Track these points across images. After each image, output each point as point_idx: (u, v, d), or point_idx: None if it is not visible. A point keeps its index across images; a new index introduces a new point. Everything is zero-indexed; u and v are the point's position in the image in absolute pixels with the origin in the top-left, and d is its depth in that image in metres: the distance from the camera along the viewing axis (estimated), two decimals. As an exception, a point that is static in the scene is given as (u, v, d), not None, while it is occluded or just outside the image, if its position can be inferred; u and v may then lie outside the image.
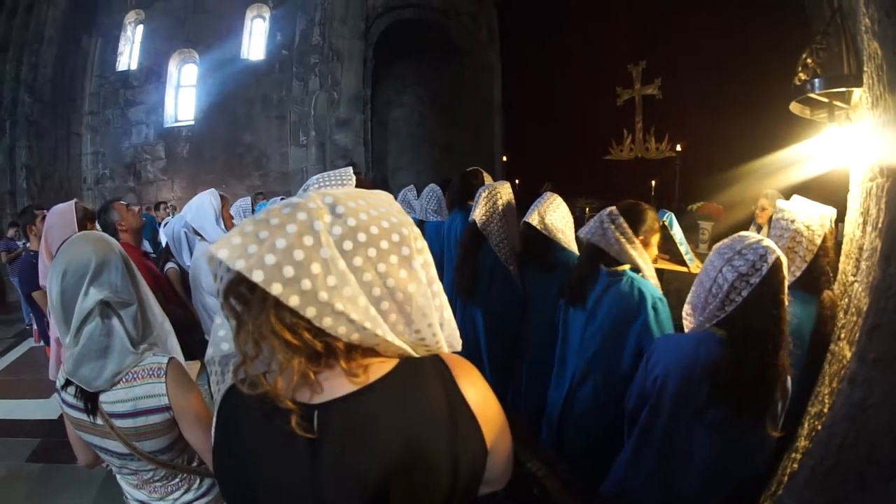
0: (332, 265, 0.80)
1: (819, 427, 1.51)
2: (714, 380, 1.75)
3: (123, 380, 1.57)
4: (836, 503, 1.42)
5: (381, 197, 0.94)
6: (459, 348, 1.02)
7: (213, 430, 0.99)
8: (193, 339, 3.55)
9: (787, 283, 1.71)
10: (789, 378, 1.74)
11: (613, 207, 2.55)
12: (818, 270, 2.27)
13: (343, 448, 0.85)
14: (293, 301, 0.77)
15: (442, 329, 0.95)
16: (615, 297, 2.49)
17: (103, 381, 1.55)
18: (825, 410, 1.53)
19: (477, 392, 0.94)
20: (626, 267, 2.53)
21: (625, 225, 2.49)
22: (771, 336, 1.68)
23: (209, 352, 1.18)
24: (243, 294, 0.83)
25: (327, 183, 2.10)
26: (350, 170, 2.14)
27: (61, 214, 3.17)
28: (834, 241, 2.30)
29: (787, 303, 1.70)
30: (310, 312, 0.78)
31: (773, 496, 1.68)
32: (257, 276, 0.76)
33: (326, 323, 0.79)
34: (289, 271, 0.77)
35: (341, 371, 0.87)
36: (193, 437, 1.63)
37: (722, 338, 1.79)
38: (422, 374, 0.92)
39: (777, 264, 1.68)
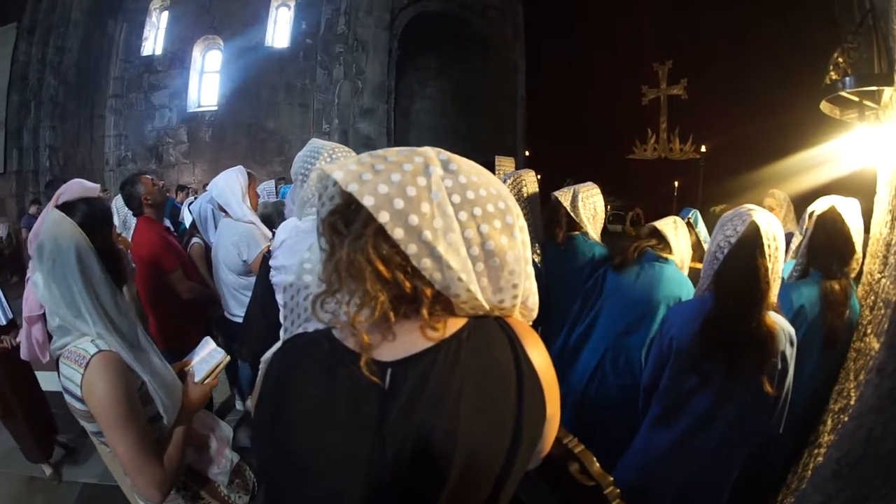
0: (440, 209, 0.81)
1: (845, 420, 1.49)
2: (703, 331, 1.91)
3: (64, 355, 1.56)
4: (862, 499, 1.41)
5: (490, 174, 0.93)
6: (534, 318, 1.02)
7: (259, 381, 0.98)
8: (214, 315, 3.58)
9: (771, 249, 1.81)
10: (782, 338, 1.81)
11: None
12: (817, 251, 2.35)
13: (411, 404, 0.82)
14: (398, 233, 0.78)
15: (524, 300, 0.95)
16: (662, 279, 2.59)
17: (52, 350, 1.59)
18: (851, 403, 1.52)
19: (541, 357, 0.91)
20: (674, 256, 2.64)
21: (686, 232, 2.73)
22: (744, 290, 1.83)
23: (291, 278, 1.20)
24: (338, 228, 0.85)
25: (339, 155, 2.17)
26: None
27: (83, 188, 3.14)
28: (834, 226, 2.31)
29: (767, 265, 1.80)
30: (411, 249, 0.79)
31: (795, 492, 1.66)
32: (368, 201, 0.78)
33: (425, 264, 0.80)
34: (399, 203, 0.79)
35: (417, 323, 0.85)
36: (109, 440, 1.51)
37: None
38: (490, 334, 0.89)
39: (752, 226, 1.82)
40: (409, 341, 0.86)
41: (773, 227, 1.83)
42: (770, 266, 1.81)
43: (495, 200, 0.87)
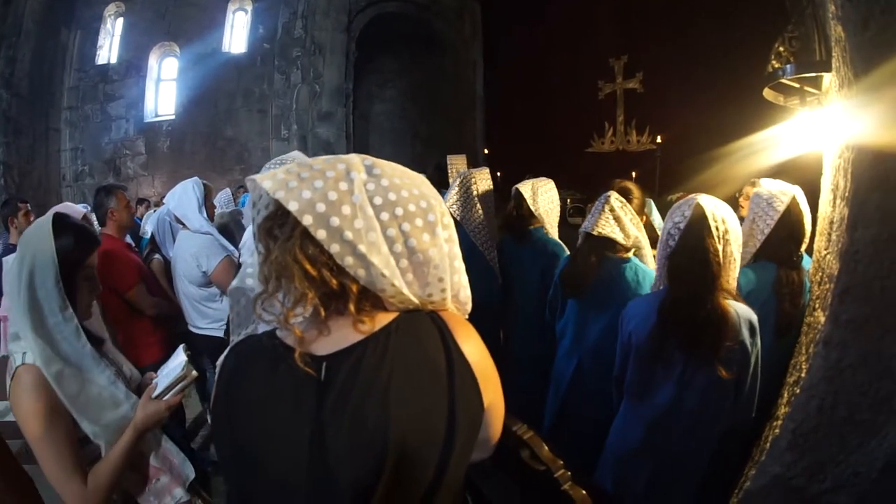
0: (361, 210, 0.88)
1: (798, 392, 1.55)
2: (659, 318, 1.97)
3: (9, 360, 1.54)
4: (818, 465, 1.46)
5: (417, 176, 1.00)
6: (469, 311, 1.08)
7: (216, 380, 1.02)
8: (178, 331, 3.55)
9: (720, 231, 1.88)
10: (739, 322, 1.87)
11: (614, 192, 2.69)
12: (777, 242, 2.38)
13: (346, 394, 0.88)
14: (321, 234, 0.85)
15: (455, 293, 1.01)
16: (621, 284, 2.60)
17: (8, 350, 1.56)
18: (803, 376, 1.57)
19: (474, 348, 0.96)
20: (630, 253, 2.64)
21: (630, 208, 2.65)
22: (696, 273, 1.90)
23: (234, 282, 1.25)
24: (274, 232, 0.92)
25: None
26: None
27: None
28: (797, 218, 2.36)
29: (716, 247, 1.87)
30: (334, 248, 0.86)
31: (758, 464, 1.71)
32: (292, 206, 0.85)
33: (347, 262, 0.86)
34: (321, 207, 0.86)
35: (349, 318, 0.91)
36: (34, 451, 1.50)
37: None
38: (421, 326, 0.95)
39: (698, 211, 1.91)
40: (342, 336, 0.93)
41: (721, 210, 1.91)
42: (720, 248, 1.87)
43: (417, 200, 0.94)
